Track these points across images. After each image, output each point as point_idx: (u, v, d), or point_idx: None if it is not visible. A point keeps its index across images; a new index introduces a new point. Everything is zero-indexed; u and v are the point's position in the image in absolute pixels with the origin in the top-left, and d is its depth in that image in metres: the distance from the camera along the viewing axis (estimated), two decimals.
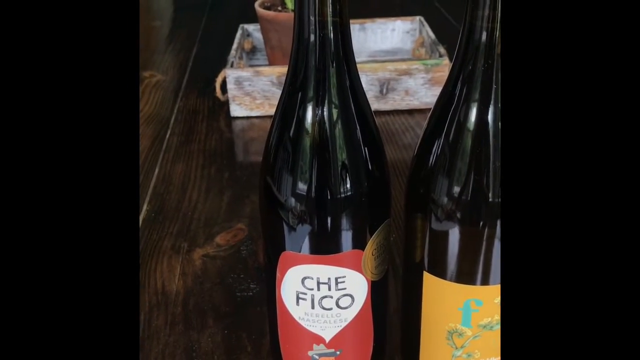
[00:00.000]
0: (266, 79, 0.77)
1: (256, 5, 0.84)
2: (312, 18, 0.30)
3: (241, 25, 0.94)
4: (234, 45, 0.86)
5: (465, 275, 0.34)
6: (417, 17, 0.94)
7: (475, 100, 0.31)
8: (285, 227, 0.34)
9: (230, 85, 0.78)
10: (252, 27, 0.94)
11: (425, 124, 0.34)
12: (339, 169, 0.33)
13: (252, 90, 0.78)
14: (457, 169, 0.32)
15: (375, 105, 0.80)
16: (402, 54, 0.95)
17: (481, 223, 0.32)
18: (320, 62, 0.31)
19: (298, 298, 0.35)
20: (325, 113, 0.32)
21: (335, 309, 0.35)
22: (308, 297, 0.35)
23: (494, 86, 0.30)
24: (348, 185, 0.33)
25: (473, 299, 0.34)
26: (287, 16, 0.80)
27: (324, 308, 0.35)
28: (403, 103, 0.80)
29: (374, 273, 0.36)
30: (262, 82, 0.78)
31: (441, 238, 0.34)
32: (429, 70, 0.78)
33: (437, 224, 0.33)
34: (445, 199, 0.32)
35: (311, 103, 0.32)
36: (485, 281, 0.34)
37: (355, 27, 0.95)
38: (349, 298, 0.35)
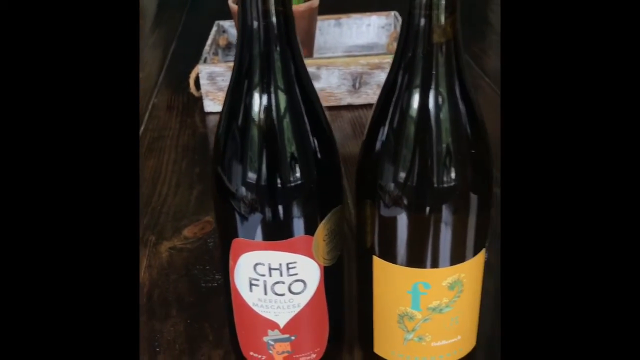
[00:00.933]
0: None
1: (230, 1, 0.84)
2: (254, 7, 0.31)
3: (217, 22, 0.94)
4: (209, 41, 0.86)
5: (412, 259, 0.34)
6: (392, 12, 0.95)
7: (415, 87, 0.32)
8: (235, 215, 0.34)
9: (203, 81, 0.78)
10: (227, 24, 0.94)
11: (372, 111, 0.35)
12: (285, 156, 0.33)
13: (225, 85, 0.78)
14: (400, 155, 0.33)
15: (348, 99, 0.80)
16: (377, 49, 0.95)
17: (426, 208, 0.33)
18: (264, 51, 0.32)
19: (251, 284, 0.36)
20: (270, 101, 0.33)
21: (288, 295, 0.36)
22: (260, 283, 0.36)
23: (433, 72, 0.31)
24: (294, 172, 0.33)
25: (421, 282, 0.35)
26: None
27: (276, 294, 0.36)
28: (376, 97, 0.80)
29: (326, 259, 0.36)
30: None
31: (388, 223, 0.34)
32: None
33: (383, 210, 0.34)
34: (390, 185, 0.33)
35: (256, 92, 0.32)
36: (432, 264, 0.34)
37: (330, 22, 0.96)
38: (301, 283, 0.36)
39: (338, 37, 0.97)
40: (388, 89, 0.33)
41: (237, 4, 0.84)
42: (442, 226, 0.34)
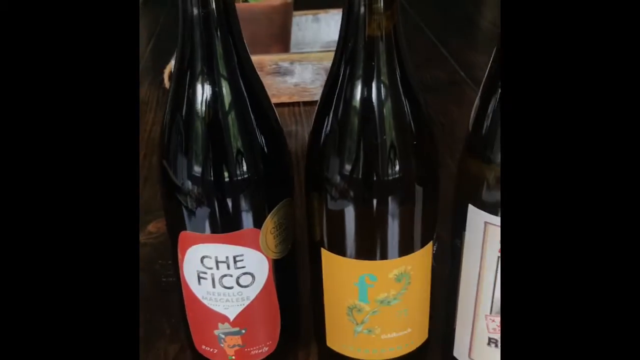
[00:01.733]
0: None
1: None
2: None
3: None
4: None
5: (358, 251, 0.34)
6: None
7: (353, 80, 0.31)
8: (181, 208, 0.34)
9: None
10: None
11: (318, 104, 0.35)
12: (229, 149, 0.33)
13: None
14: (342, 149, 0.32)
15: None
16: None
17: (369, 201, 0.33)
18: (204, 43, 0.32)
19: (199, 277, 0.36)
20: (212, 94, 0.32)
21: (237, 288, 0.36)
22: (208, 276, 0.36)
23: (373, 63, 0.31)
24: (239, 165, 0.33)
25: (367, 274, 0.35)
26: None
27: (224, 287, 0.36)
28: None
29: (275, 251, 0.36)
30: None
31: (333, 215, 0.34)
32: None
33: (329, 202, 0.34)
34: (334, 178, 0.33)
35: (198, 84, 0.32)
36: (378, 256, 0.34)
37: (308, 17, 0.96)
38: (249, 276, 0.36)
39: (316, 32, 0.97)
40: (330, 82, 0.33)
41: None
42: (386, 218, 0.33)
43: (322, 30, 0.96)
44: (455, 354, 0.38)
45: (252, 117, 0.34)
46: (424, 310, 0.38)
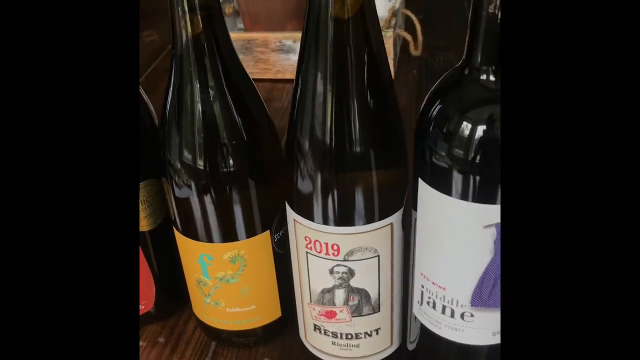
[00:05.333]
0: None
1: None
2: None
3: None
4: None
5: (196, 233, 0.38)
6: None
7: (180, 77, 0.35)
8: None
9: None
10: None
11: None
12: None
13: None
14: (177, 138, 0.36)
15: None
16: (381, 22, 0.96)
17: (203, 190, 0.37)
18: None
19: None
20: None
21: None
22: None
23: (191, 69, 0.34)
24: None
25: (205, 254, 0.39)
26: None
27: None
28: None
29: (142, 224, 0.41)
30: None
31: (174, 199, 0.38)
32: None
33: (172, 186, 0.38)
34: (172, 166, 0.37)
35: None
36: (212, 239, 0.38)
37: None
38: None
39: None
40: (169, 79, 0.37)
41: None
42: (218, 207, 0.37)
43: None
44: (300, 335, 0.42)
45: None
46: (269, 291, 0.41)
